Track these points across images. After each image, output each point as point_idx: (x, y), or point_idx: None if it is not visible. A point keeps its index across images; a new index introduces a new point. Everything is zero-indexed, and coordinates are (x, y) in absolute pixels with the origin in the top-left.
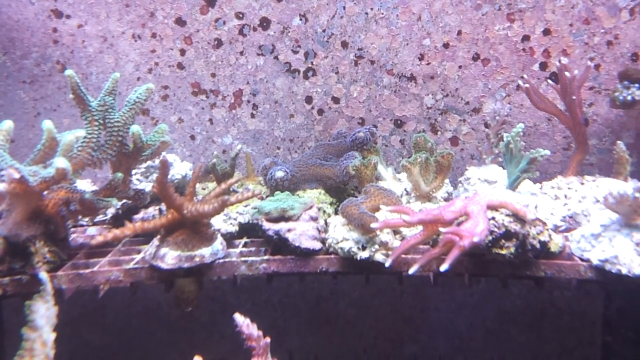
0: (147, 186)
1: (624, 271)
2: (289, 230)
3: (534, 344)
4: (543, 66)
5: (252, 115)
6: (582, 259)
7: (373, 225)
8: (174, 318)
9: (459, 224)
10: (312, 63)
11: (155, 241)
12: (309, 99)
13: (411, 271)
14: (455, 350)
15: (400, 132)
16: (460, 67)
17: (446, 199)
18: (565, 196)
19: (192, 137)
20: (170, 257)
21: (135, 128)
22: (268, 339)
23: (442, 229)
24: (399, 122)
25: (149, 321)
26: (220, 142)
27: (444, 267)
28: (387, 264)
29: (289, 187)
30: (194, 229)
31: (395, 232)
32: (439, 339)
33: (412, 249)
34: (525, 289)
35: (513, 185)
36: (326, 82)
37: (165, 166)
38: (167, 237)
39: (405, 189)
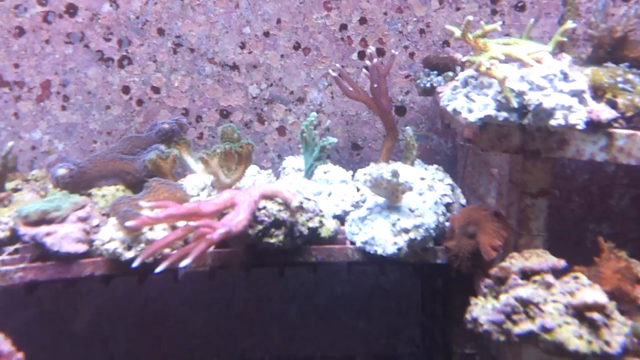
0: None
1: (380, 251)
2: (47, 234)
3: (364, 327)
4: (361, 55)
5: (63, 108)
6: (352, 242)
7: (127, 224)
8: None
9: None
10: (127, 51)
11: None
12: (126, 89)
13: (157, 269)
14: (288, 340)
15: (227, 122)
16: (282, 56)
17: None
18: None
19: None
20: None
21: None
22: (21, 355)
23: (192, 223)
24: (224, 112)
25: None
26: (29, 137)
27: (184, 263)
28: (134, 264)
29: (77, 185)
30: None
31: (174, 227)
32: (272, 330)
33: (171, 245)
34: (354, 274)
35: (308, 173)
36: (144, 71)
37: None
38: None
39: (212, 182)
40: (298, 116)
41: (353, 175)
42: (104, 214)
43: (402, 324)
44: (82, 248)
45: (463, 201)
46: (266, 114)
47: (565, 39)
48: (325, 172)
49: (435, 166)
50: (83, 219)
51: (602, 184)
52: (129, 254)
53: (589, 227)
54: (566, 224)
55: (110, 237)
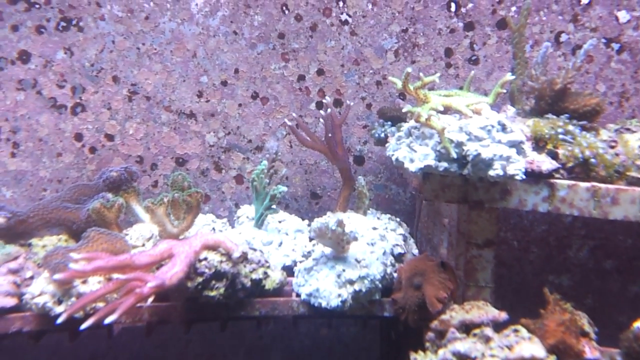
0: None
1: (324, 304)
2: None
3: None
4: (319, 105)
5: (13, 155)
6: (298, 295)
7: (56, 276)
8: None
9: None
10: (80, 98)
11: None
12: (78, 136)
13: (83, 326)
14: None
15: (183, 170)
16: (240, 105)
17: None
18: None
19: None
20: None
21: None
22: None
23: (120, 276)
24: (180, 160)
25: None
26: None
27: (110, 319)
28: (59, 319)
29: (15, 235)
30: None
31: (110, 279)
32: None
33: (101, 299)
34: (313, 328)
35: (258, 223)
36: (98, 119)
37: None
38: None
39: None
40: (256, 165)
41: (310, 225)
42: (40, 266)
43: None
44: (10, 302)
45: (415, 251)
46: (223, 163)
47: (504, 91)
48: (280, 222)
49: (389, 216)
50: (14, 271)
51: (559, 235)
52: (59, 309)
53: (548, 279)
54: (525, 275)
55: (41, 290)
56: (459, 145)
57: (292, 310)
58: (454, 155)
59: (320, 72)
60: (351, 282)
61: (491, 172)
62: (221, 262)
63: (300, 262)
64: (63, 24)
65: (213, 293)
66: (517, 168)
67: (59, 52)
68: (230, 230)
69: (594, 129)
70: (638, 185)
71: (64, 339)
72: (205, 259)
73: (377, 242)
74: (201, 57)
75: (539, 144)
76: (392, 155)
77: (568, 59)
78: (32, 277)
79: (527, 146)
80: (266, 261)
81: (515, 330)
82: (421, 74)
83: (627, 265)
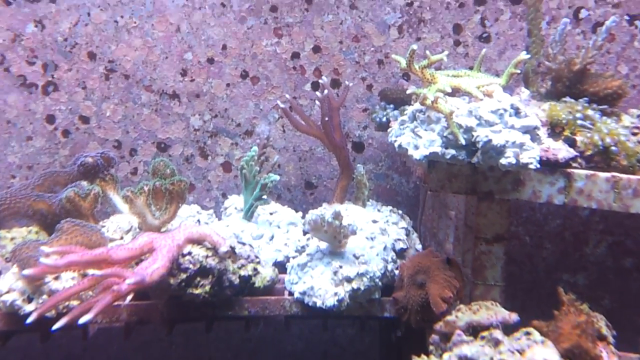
0: None
1: (319, 303)
2: None
3: None
4: (315, 86)
5: None
6: (290, 293)
7: (25, 272)
8: None
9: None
10: (52, 76)
11: None
12: (50, 119)
13: (55, 326)
14: None
15: (165, 157)
16: (228, 85)
17: None
18: None
19: None
20: None
21: None
22: None
23: (95, 272)
24: (162, 145)
25: None
26: None
27: (85, 319)
28: (29, 319)
29: None
30: None
31: (85, 275)
32: None
33: (75, 297)
34: (306, 329)
35: (248, 214)
36: (71, 99)
37: None
38: None
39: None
40: (245, 151)
41: (304, 217)
42: (8, 260)
43: None
44: None
45: (419, 247)
46: (210, 148)
47: (518, 72)
48: (271, 213)
49: (390, 207)
50: None
51: (576, 230)
52: (28, 307)
53: (562, 277)
54: (537, 273)
55: (9, 287)
56: (468, 130)
57: (284, 310)
58: (463, 142)
59: (316, 49)
60: (349, 280)
61: (503, 161)
62: (207, 257)
63: (294, 257)
64: None
65: (198, 291)
66: (531, 156)
67: (29, 25)
68: (217, 222)
69: (615, 114)
70: None
71: (35, 340)
72: (190, 253)
73: (377, 236)
74: (185, 31)
75: (555, 130)
76: (395, 141)
77: (588, 37)
78: None
79: (543, 132)
80: (256, 256)
81: (527, 333)
82: (427, 52)
83: None
